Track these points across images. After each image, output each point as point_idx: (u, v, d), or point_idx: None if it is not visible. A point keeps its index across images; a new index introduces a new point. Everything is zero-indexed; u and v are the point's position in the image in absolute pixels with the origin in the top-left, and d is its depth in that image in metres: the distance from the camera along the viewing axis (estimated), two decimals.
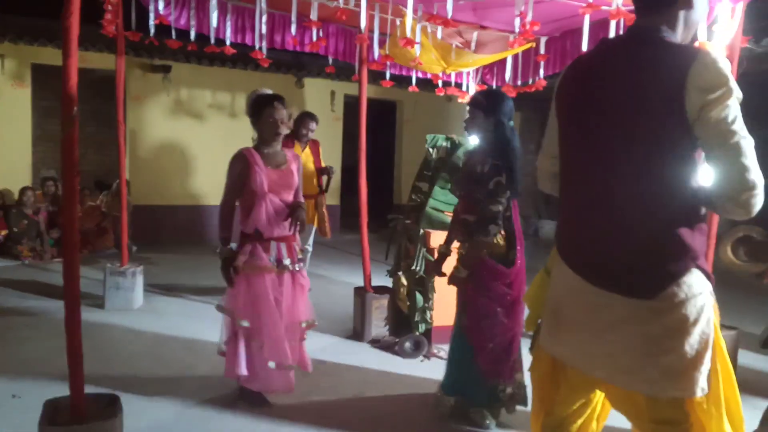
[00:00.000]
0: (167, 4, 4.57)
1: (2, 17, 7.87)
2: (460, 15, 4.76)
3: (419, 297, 4.21)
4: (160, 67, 8.72)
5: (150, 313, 5.11)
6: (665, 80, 1.55)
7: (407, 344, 4.19)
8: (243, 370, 3.17)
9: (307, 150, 5.54)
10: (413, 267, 4.22)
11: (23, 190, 7.59)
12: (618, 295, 1.62)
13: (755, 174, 1.52)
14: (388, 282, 4.60)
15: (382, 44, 4.97)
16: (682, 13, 1.68)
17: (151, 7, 4.49)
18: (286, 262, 3.24)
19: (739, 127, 1.53)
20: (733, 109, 1.53)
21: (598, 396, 1.90)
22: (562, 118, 1.84)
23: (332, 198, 8.05)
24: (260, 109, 3.23)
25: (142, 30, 4.61)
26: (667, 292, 1.57)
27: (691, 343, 1.56)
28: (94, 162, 10.40)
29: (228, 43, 4.81)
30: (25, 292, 5.62)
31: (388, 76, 5.66)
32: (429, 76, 5.95)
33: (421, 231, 4.23)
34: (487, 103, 3.07)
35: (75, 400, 2.41)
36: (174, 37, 4.57)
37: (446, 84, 6.19)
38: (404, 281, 4.34)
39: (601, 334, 1.66)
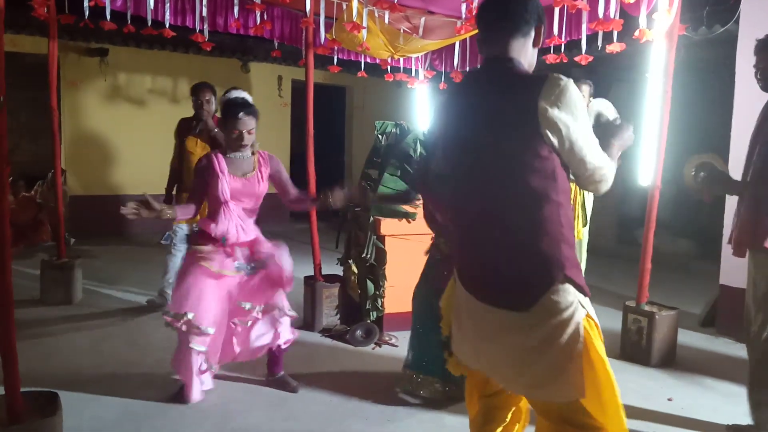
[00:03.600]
0: None
1: None
2: (407, 0, 4.73)
3: (370, 285, 4.20)
4: (97, 51, 8.37)
5: (90, 307, 4.93)
6: (519, 110, 1.67)
7: (358, 332, 4.17)
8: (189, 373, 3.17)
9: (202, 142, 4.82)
10: (364, 255, 4.20)
11: None
12: (498, 309, 1.75)
13: (600, 170, 1.75)
14: (339, 270, 4.57)
15: (328, 28, 4.90)
16: (528, 48, 1.82)
17: None
18: (252, 265, 3.21)
19: (586, 139, 1.68)
20: (580, 122, 1.66)
21: None
22: (441, 142, 1.96)
23: None
24: (226, 117, 3.17)
25: (76, 12, 4.39)
26: (538, 307, 1.68)
27: (556, 352, 1.68)
28: (29, 152, 9.94)
29: (167, 25, 4.63)
30: None
31: (335, 61, 5.60)
32: (378, 61, 5.92)
33: (371, 218, 4.21)
34: None
35: (11, 399, 2.31)
36: (108, 18, 4.37)
37: (395, 70, 6.17)
38: (355, 269, 4.32)
39: (487, 343, 1.81)
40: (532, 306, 1.69)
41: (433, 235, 3.27)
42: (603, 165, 1.75)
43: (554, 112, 1.62)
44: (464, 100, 1.85)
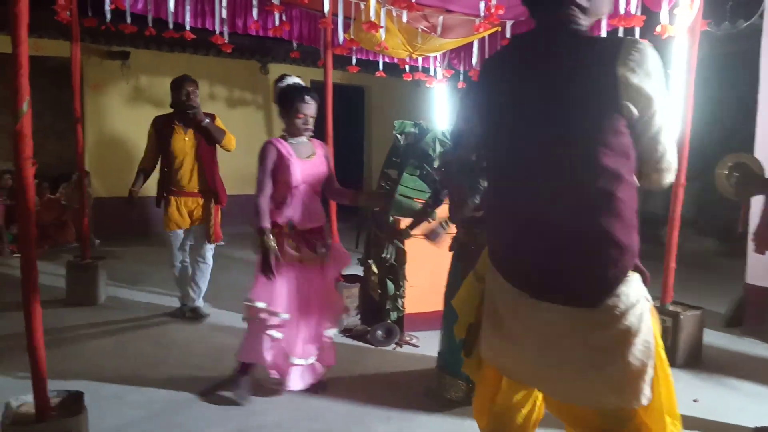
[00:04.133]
0: None
1: None
2: None
3: (390, 285, 4.20)
4: (118, 54, 8.48)
5: (114, 307, 4.99)
6: (593, 78, 1.48)
7: (379, 332, 4.17)
8: (263, 358, 3.20)
9: (191, 133, 4.51)
10: (384, 255, 4.20)
11: None
12: (558, 307, 1.54)
13: (671, 155, 1.57)
14: (359, 270, 4.58)
15: (346, 28, 4.90)
16: (584, 1, 1.60)
17: None
18: (321, 251, 3.24)
19: (665, 116, 1.52)
20: (662, 96, 1.50)
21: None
22: (485, 117, 1.76)
23: None
24: (289, 102, 3.17)
25: (97, 15, 4.45)
26: (607, 303, 1.50)
27: (634, 353, 1.51)
28: (54, 153, 10.08)
29: (188, 28, 4.68)
30: None
31: (354, 61, 5.60)
32: (396, 61, 5.91)
33: (391, 218, 4.21)
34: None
35: (38, 398, 2.34)
36: (130, 22, 4.43)
37: (413, 69, 6.16)
38: (375, 269, 4.32)
39: (542, 346, 1.59)
40: (600, 302, 1.50)
41: (456, 231, 3.22)
42: (673, 149, 1.57)
43: (636, 80, 1.45)
44: (518, 71, 1.63)
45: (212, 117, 4.64)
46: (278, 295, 3.12)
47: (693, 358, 3.96)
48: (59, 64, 7.85)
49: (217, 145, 4.62)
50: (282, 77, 3.29)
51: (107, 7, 4.30)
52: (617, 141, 1.49)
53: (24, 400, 2.45)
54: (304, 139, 3.24)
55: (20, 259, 2.33)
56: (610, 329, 1.51)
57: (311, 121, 3.20)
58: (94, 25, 4.58)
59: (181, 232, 4.56)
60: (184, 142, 4.47)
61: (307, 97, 3.16)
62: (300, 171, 3.13)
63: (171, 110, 4.57)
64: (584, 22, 1.61)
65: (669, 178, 1.60)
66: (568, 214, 1.53)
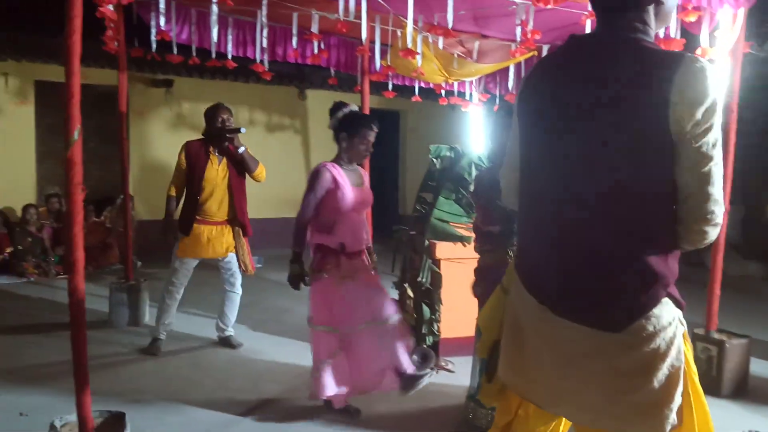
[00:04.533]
0: (168, 19, 4.60)
1: (5, 35, 7.91)
2: (461, 25, 4.77)
3: (426, 309, 4.19)
4: (162, 82, 8.76)
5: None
6: (646, 88, 1.39)
7: (414, 357, 4.13)
8: (330, 391, 3.18)
9: (225, 163, 4.42)
10: (419, 278, 4.20)
11: (26, 208, 7.60)
12: (581, 327, 1.47)
13: (717, 206, 1.42)
14: (394, 294, 4.57)
15: (383, 55, 4.98)
16: (651, 8, 1.52)
17: (153, 23, 4.52)
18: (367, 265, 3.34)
19: (717, 152, 1.40)
20: (716, 129, 1.39)
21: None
22: (525, 124, 1.65)
23: None
24: (356, 127, 3.23)
25: (143, 45, 4.63)
26: (636, 326, 1.43)
27: (660, 378, 1.43)
28: (97, 177, 10.41)
29: (229, 56, 4.82)
30: (30, 309, 5.61)
31: (390, 86, 5.67)
32: (432, 85, 5.96)
33: (427, 242, 4.21)
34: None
35: (82, 418, 2.39)
36: (175, 51, 4.59)
37: (449, 93, 6.20)
38: (410, 293, 4.31)
39: (565, 368, 1.51)
40: (628, 326, 1.43)
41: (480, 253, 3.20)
42: (721, 200, 1.43)
43: (689, 98, 1.35)
44: (569, 74, 1.53)
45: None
46: (335, 314, 3.19)
47: (739, 389, 3.83)
48: (104, 92, 8.14)
49: (247, 175, 4.51)
50: (340, 104, 3.30)
51: (153, 37, 4.46)
52: (660, 164, 1.41)
53: (67, 419, 2.50)
54: (356, 166, 3.33)
55: (68, 284, 2.40)
56: (636, 351, 1.44)
57: (370, 148, 3.30)
58: (140, 55, 4.75)
59: (194, 261, 4.45)
60: (216, 172, 4.37)
61: (373, 125, 3.26)
62: (351, 199, 3.18)
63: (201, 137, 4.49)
64: (648, 32, 1.52)
65: (714, 233, 1.46)
66: (602, 235, 1.46)
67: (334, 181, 3.17)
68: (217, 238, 4.40)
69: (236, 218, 4.44)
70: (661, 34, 3.85)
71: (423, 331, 4.17)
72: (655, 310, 1.44)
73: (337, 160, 3.29)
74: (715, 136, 1.39)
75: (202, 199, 4.34)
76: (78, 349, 2.38)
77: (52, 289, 6.46)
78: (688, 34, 3.88)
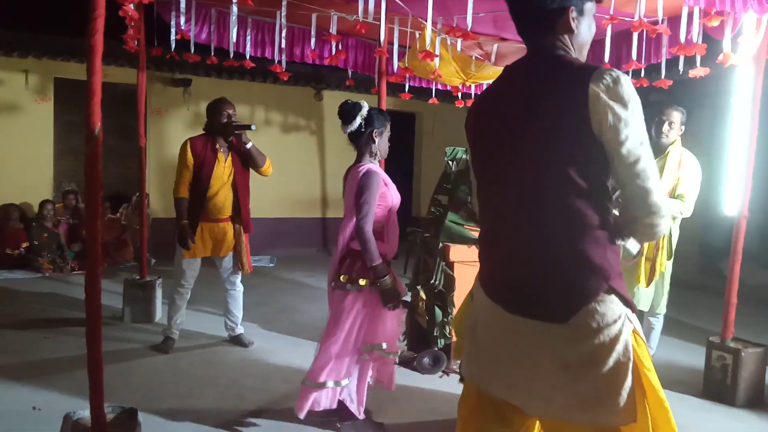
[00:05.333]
0: (188, 19, 4.63)
1: (26, 34, 8.02)
2: (480, 27, 4.75)
3: (438, 312, 4.16)
4: (181, 81, 8.82)
5: None
6: (566, 96, 1.51)
7: (426, 359, 4.13)
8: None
9: (230, 160, 4.34)
10: (432, 281, 4.18)
11: (43, 203, 7.69)
12: (532, 321, 1.58)
13: (657, 197, 1.52)
14: (407, 296, 4.56)
15: (401, 57, 4.98)
16: (566, 37, 1.64)
17: (173, 23, 4.55)
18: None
19: (645, 150, 1.50)
20: (638, 131, 1.49)
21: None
22: (471, 145, 1.82)
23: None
24: (384, 121, 3.11)
25: (163, 45, 4.66)
26: (579, 320, 1.52)
27: (604, 371, 1.51)
28: (114, 175, 10.52)
29: (248, 56, 4.84)
30: (46, 304, 5.66)
31: (407, 88, 5.66)
32: (449, 88, 5.95)
33: (441, 244, 4.19)
34: None
35: (95, 413, 2.40)
36: (194, 51, 4.61)
37: (466, 96, 6.18)
38: (423, 295, 4.30)
39: (517, 360, 1.62)
40: (571, 317, 1.52)
41: None
42: (658, 190, 1.53)
43: (607, 98, 1.46)
44: (502, 92, 1.70)
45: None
46: (393, 335, 3.09)
47: (755, 398, 3.78)
48: (122, 90, 8.24)
49: (251, 170, 4.42)
50: (355, 104, 3.10)
51: (173, 37, 4.49)
52: (588, 162, 1.52)
53: (81, 414, 2.52)
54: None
55: (85, 280, 2.41)
56: (581, 345, 1.53)
57: None
58: (159, 54, 4.79)
59: (198, 261, 4.42)
60: (223, 169, 4.29)
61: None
62: (398, 199, 3.09)
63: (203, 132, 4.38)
64: (571, 50, 1.64)
65: (659, 224, 1.55)
66: (542, 231, 1.58)
67: (384, 181, 3.03)
68: (221, 237, 4.37)
69: (239, 215, 4.38)
70: (683, 39, 3.80)
71: (435, 333, 4.16)
72: (600, 308, 1.53)
73: (367, 160, 3.11)
74: (638, 136, 1.50)
75: (208, 197, 4.26)
76: (93, 345, 2.39)
77: (67, 285, 6.52)
78: (710, 38, 3.84)
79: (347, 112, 3.07)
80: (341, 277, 3.01)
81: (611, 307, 1.54)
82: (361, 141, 3.10)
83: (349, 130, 3.08)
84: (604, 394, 1.52)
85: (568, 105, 1.50)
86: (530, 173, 1.58)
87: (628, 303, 1.57)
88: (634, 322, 1.58)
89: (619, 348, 1.52)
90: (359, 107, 3.07)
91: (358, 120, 3.05)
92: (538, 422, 1.79)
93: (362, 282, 2.97)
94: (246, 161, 4.37)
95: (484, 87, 6.28)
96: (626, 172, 1.51)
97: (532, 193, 1.58)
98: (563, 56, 1.62)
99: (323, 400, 3.06)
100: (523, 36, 1.72)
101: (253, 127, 4.29)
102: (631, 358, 1.53)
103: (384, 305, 2.97)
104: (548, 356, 1.56)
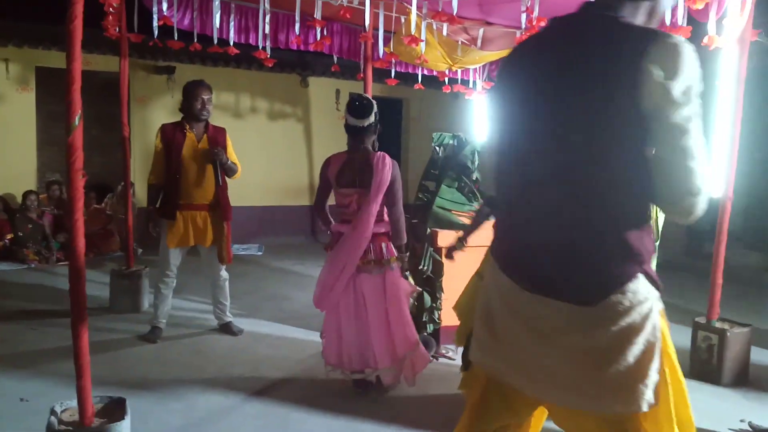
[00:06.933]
0: (170, 5, 4.56)
1: (6, 22, 7.88)
2: (466, 11, 4.72)
3: (427, 297, 4.18)
4: (164, 69, 8.71)
5: None
6: (619, 61, 1.37)
7: None
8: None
9: (205, 139, 4.29)
10: (421, 267, 4.19)
11: (26, 194, 7.60)
12: (557, 302, 1.47)
13: (701, 179, 1.39)
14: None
15: (386, 42, 4.94)
16: (646, 5, 1.52)
17: (155, 9, 4.48)
18: None
19: (695, 126, 1.37)
20: (692, 104, 1.37)
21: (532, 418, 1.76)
22: (503, 106, 1.64)
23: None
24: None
25: (145, 32, 4.59)
26: (611, 300, 1.42)
27: (635, 353, 1.42)
28: (98, 165, 10.40)
29: (231, 43, 4.79)
30: (31, 295, 5.62)
31: (393, 74, 5.64)
32: (435, 73, 5.92)
33: (429, 230, 4.20)
34: None
35: (82, 404, 2.40)
36: (177, 38, 4.55)
37: (452, 81, 6.16)
38: (412, 281, 4.30)
39: (539, 345, 1.50)
40: (602, 300, 1.42)
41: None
42: (706, 173, 1.39)
43: (662, 76, 1.33)
44: (547, 50, 1.54)
45: (223, 132, 4.43)
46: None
47: (740, 377, 3.84)
48: (105, 79, 8.12)
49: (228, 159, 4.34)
50: (370, 100, 3.44)
51: (155, 23, 4.43)
52: (634, 140, 1.40)
53: (68, 405, 2.51)
54: None
55: (69, 270, 2.40)
56: (611, 326, 1.43)
57: None
58: (140, 41, 4.72)
59: (184, 250, 4.40)
60: (195, 151, 4.23)
61: None
62: None
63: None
64: (629, 15, 1.50)
65: (700, 205, 1.41)
66: (578, 210, 1.46)
67: None
68: (203, 227, 4.32)
69: (218, 201, 4.33)
70: (668, 22, 3.81)
71: (424, 318, 4.17)
72: (631, 285, 1.44)
73: (374, 149, 3.45)
74: (691, 110, 1.37)
75: (183, 181, 4.21)
76: (78, 335, 2.38)
77: (53, 276, 6.47)
78: (695, 21, 3.84)
79: (363, 109, 3.33)
80: (382, 261, 3.36)
81: (641, 287, 1.45)
82: (367, 133, 3.37)
83: (362, 125, 3.33)
84: (636, 377, 1.43)
85: (620, 75, 1.37)
86: (572, 145, 1.45)
87: (656, 284, 1.49)
88: (661, 303, 1.52)
89: (648, 327, 1.45)
90: (372, 104, 3.35)
91: (373, 117, 3.34)
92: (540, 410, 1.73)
93: (393, 260, 3.40)
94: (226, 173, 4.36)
95: (471, 72, 6.30)
96: (670, 149, 1.38)
97: (572, 166, 1.45)
98: (617, 18, 1.47)
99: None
100: None
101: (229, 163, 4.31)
102: (659, 338, 1.47)
103: (403, 272, 3.48)
104: (575, 340, 1.46)
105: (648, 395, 1.43)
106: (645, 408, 1.43)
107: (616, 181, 1.43)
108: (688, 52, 1.35)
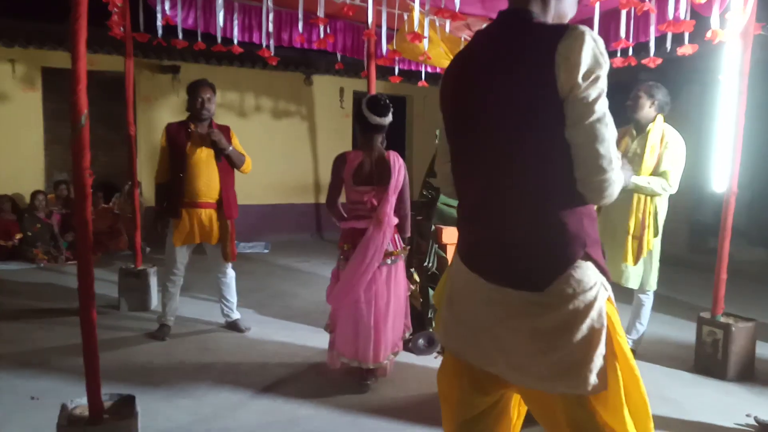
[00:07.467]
0: (174, 4, 4.58)
1: (12, 23, 7.92)
2: (469, 8, 4.72)
3: (432, 293, 4.20)
4: (169, 68, 8.75)
5: None
6: (537, 56, 1.48)
7: (420, 341, 4.17)
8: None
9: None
10: (425, 263, 4.21)
11: (34, 194, 7.65)
12: (509, 289, 1.57)
13: (607, 160, 1.46)
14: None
15: (389, 39, 4.95)
16: (552, 4, 1.63)
17: (159, 8, 4.50)
18: None
19: (600, 107, 1.45)
20: (597, 86, 1.45)
21: (511, 401, 1.82)
22: (445, 115, 1.77)
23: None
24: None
25: (149, 31, 4.61)
26: (556, 287, 1.52)
27: (579, 338, 1.51)
28: (105, 164, 10.46)
29: (235, 42, 4.80)
30: (41, 294, 5.67)
31: (396, 71, 5.64)
32: (438, 70, 5.92)
33: (433, 227, 4.21)
34: None
35: (92, 401, 2.42)
36: (181, 37, 4.57)
37: None
38: (416, 278, 4.33)
39: (494, 329, 1.61)
40: (549, 285, 1.52)
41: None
42: (614, 153, 1.48)
43: (570, 62, 1.43)
44: (472, 58, 1.67)
45: (227, 129, 4.47)
46: None
47: (746, 372, 3.84)
48: (110, 78, 8.16)
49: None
50: (387, 100, 3.55)
51: (159, 23, 4.45)
52: (555, 127, 1.48)
53: (78, 402, 2.54)
54: None
55: (77, 268, 2.42)
56: (556, 312, 1.52)
57: None
58: (145, 41, 4.74)
59: (190, 247, 4.45)
60: (200, 151, 4.28)
61: None
62: None
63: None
64: (540, 16, 1.61)
65: (610, 186, 1.49)
66: (518, 200, 1.56)
67: None
68: (209, 224, 4.36)
69: (223, 199, 4.35)
70: (671, 16, 3.81)
71: (429, 315, 4.19)
72: (576, 274, 1.52)
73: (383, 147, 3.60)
74: (596, 91, 1.45)
75: (187, 179, 4.24)
76: (88, 333, 2.41)
77: (62, 275, 6.52)
78: (699, 15, 3.83)
79: (385, 107, 3.49)
80: (395, 252, 3.57)
81: (587, 273, 1.53)
82: (381, 131, 3.54)
83: (385, 123, 3.51)
84: (581, 362, 1.51)
85: (537, 67, 1.47)
86: (508, 141, 1.55)
87: (603, 271, 1.57)
88: (609, 290, 1.58)
89: (593, 314, 1.52)
90: (389, 103, 3.50)
91: (391, 115, 3.53)
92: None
93: (403, 251, 3.66)
94: (229, 162, 4.39)
95: None
96: (579, 129, 1.46)
97: (509, 160, 1.56)
98: (535, 20, 1.59)
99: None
100: None
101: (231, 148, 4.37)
102: (605, 325, 1.53)
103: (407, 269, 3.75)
104: (524, 325, 1.56)
105: (592, 379, 1.50)
106: (589, 390, 1.51)
107: (545, 170, 1.52)
108: (588, 40, 1.45)
